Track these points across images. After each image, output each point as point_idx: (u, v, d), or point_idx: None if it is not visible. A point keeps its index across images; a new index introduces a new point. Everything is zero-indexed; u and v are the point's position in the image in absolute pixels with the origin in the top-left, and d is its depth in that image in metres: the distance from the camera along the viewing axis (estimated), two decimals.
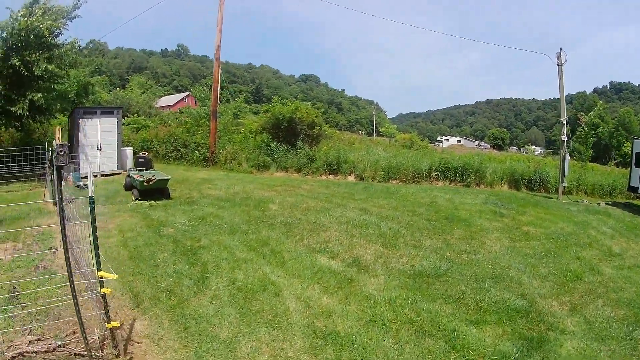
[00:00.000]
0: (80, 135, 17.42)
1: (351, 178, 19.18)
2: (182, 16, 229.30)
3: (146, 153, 17.36)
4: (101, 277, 4.59)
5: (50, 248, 7.74)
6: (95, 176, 16.87)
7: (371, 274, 7.36)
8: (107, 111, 18.56)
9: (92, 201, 4.70)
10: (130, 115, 33.76)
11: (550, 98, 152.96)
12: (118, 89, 46.49)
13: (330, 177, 19.36)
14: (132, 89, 48.18)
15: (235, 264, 7.46)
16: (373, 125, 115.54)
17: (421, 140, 50.60)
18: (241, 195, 13.18)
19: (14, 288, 6.07)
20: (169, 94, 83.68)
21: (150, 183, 11.97)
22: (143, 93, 47.00)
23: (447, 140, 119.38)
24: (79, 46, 17.12)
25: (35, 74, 15.17)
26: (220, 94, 24.82)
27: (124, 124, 30.88)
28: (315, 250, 8.27)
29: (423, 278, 7.27)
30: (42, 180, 14.81)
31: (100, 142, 17.66)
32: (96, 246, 4.58)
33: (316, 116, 22.82)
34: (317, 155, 20.05)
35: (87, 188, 14.61)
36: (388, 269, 7.60)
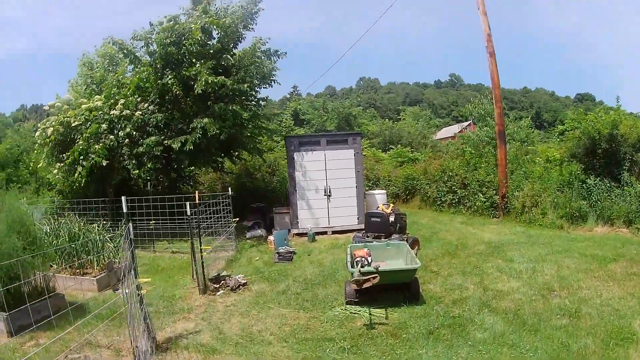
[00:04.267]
0: (297, 175, 12.46)
1: None
2: (451, 46, 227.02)
3: (395, 209, 10.72)
4: None
5: None
6: (321, 233, 12.14)
7: None
8: (338, 140, 13.06)
9: None
10: (395, 147, 29.63)
11: None
12: (386, 119, 44.05)
13: None
14: (404, 119, 45.25)
15: None
16: None
17: None
18: (561, 300, 6.20)
19: None
20: (449, 125, 79.04)
21: (367, 284, 5.98)
22: (417, 123, 43.45)
23: None
24: (270, 49, 12.60)
25: (197, 92, 11.06)
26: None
27: (390, 157, 26.23)
28: None
29: None
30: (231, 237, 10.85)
31: (329, 184, 12.46)
32: None
33: None
34: None
35: (290, 259, 9.65)
36: None
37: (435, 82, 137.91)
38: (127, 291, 4.51)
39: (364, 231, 10.09)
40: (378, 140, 35.82)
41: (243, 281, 7.76)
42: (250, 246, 11.12)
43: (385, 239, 9.10)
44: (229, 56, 11.77)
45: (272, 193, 17.39)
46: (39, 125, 12.83)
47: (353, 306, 6.30)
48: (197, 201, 8.26)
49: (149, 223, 10.75)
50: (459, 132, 45.64)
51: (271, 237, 10.89)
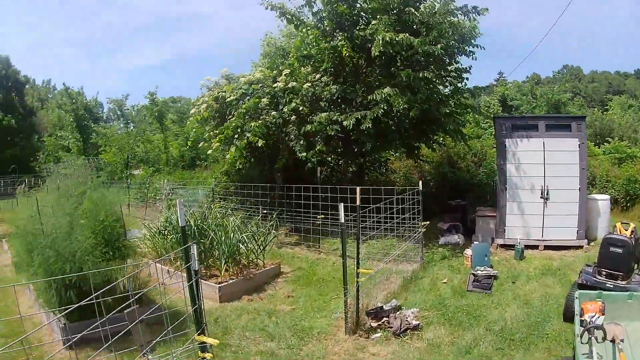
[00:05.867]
0: (509, 168, 9.43)
1: None
2: None
3: (635, 232, 6.68)
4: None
5: None
6: (531, 247, 9.09)
7: None
8: (559, 124, 9.71)
9: None
10: (611, 140, 24.23)
11: None
12: (596, 109, 38.00)
13: None
14: (612, 109, 38.79)
15: None
16: None
17: None
18: None
19: None
20: None
21: None
22: (625, 114, 36.91)
23: None
24: (467, 5, 9.53)
25: (373, 54, 8.70)
26: None
27: (603, 153, 20.26)
28: None
29: None
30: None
31: (547, 182, 9.15)
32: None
33: None
34: None
35: (489, 287, 7.17)
36: None
37: (635, 72, 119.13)
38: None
39: (594, 264, 6.21)
40: (589, 132, 30.22)
41: (414, 322, 5.40)
42: (441, 258, 8.78)
43: (622, 280, 5.62)
44: (413, 10, 9.07)
45: (477, 187, 14.38)
46: (193, 101, 12.25)
47: None
48: (357, 201, 5.89)
49: (317, 217, 9.31)
50: None
51: (468, 251, 8.31)
